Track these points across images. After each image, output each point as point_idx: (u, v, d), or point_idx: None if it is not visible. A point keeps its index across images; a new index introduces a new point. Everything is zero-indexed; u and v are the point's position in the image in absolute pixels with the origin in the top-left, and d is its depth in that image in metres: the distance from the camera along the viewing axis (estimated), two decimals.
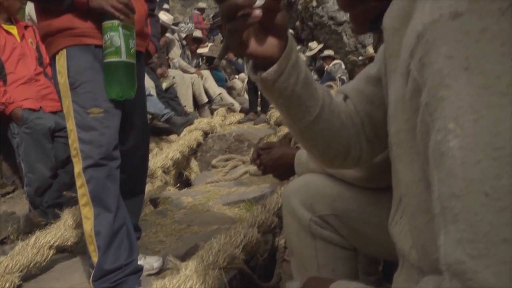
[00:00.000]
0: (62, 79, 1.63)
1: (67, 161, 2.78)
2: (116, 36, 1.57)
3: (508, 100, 0.39)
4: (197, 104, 5.77)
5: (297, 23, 9.15)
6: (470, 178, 0.39)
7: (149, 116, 4.23)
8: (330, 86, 6.38)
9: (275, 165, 1.36)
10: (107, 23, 1.58)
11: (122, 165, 1.71)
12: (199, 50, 6.74)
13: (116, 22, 1.57)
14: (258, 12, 0.62)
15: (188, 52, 6.37)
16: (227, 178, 3.31)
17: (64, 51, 1.62)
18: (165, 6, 8.86)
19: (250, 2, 0.61)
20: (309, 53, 8.18)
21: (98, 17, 1.60)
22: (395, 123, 0.61)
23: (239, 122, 5.37)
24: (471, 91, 0.40)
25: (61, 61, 1.62)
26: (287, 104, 0.78)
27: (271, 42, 0.71)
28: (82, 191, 1.62)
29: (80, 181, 1.62)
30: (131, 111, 1.79)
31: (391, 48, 0.62)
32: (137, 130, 1.85)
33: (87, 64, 1.62)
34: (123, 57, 1.59)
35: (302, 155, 1.25)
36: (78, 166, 1.62)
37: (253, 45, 0.69)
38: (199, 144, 4.20)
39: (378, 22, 0.74)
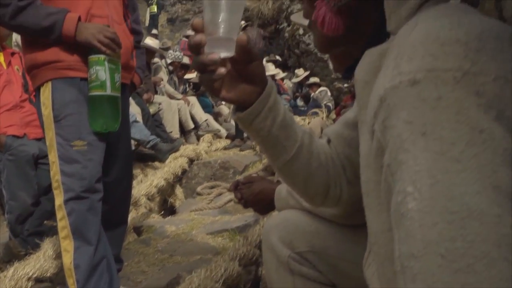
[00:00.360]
0: (46, 111, 1.63)
1: (50, 188, 2.74)
2: (101, 71, 1.58)
3: (461, 166, 0.41)
4: (183, 130, 5.78)
5: (285, 50, 9.28)
6: (427, 240, 0.41)
7: (134, 143, 4.22)
8: (316, 113, 6.46)
9: (256, 199, 1.37)
10: (93, 57, 1.59)
11: (105, 196, 1.70)
12: (186, 76, 6.78)
13: (102, 56, 1.58)
14: (222, 71, 0.69)
15: (175, 78, 6.40)
16: (212, 206, 3.29)
17: (49, 84, 1.62)
18: (154, 31, 8.96)
19: (215, 61, 0.68)
20: (295, 80, 8.29)
21: (84, 50, 1.61)
22: (364, 173, 0.63)
23: (225, 148, 5.38)
24: (428, 156, 0.42)
25: (46, 93, 1.63)
26: (264, 143, 0.83)
27: (245, 88, 0.76)
28: (63, 224, 1.60)
29: (61, 213, 1.60)
30: (115, 143, 1.79)
31: (362, 100, 0.64)
32: (120, 162, 1.84)
33: (71, 97, 1.62)
34: (108, 91, 1.59)
35: (282, 191, 1.26)
36: (59, 199, 1.61)
37: (224, 92, 0.75)
38: (184, 171, 4.20)
39: (351, 71, 0.77)
